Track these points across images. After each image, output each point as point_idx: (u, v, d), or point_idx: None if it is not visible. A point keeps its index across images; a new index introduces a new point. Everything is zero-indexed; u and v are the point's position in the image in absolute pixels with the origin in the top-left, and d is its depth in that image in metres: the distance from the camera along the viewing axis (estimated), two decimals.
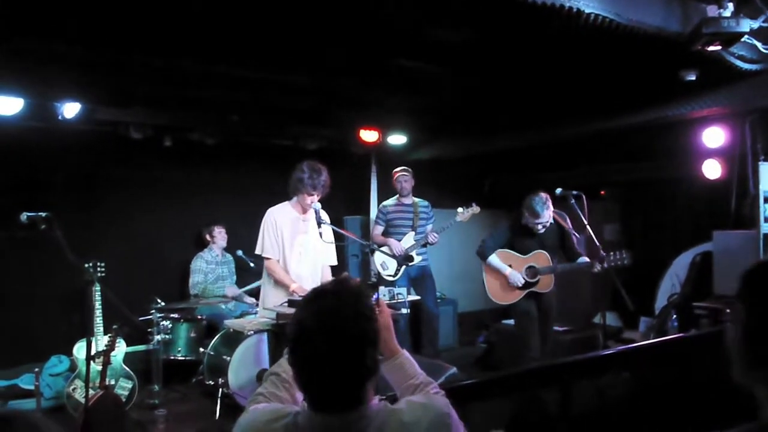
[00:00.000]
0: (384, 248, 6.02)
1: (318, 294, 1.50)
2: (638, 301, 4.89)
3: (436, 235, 6.00)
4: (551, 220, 4.92)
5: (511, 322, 6.58)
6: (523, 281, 5.00)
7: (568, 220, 5.07)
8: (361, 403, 1.42)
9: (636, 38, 3.62)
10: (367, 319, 1.44)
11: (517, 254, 5.07)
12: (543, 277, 5.01)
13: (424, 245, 6.11)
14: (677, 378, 3.07)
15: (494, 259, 5.09)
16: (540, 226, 4.89)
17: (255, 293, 6.22)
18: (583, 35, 3.56)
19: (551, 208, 4.89)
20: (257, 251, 4.52)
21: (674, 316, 5.90)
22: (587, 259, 4.89)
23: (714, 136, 5.67)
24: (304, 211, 4.48)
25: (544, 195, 4.86)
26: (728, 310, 1.21)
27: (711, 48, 3.75)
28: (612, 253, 4.75)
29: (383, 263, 6.08)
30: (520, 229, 5.04)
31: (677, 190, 6.86)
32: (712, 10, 3.66)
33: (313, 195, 4.34)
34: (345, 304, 1.43)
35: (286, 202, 4.55)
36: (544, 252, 5.01)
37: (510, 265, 5.07)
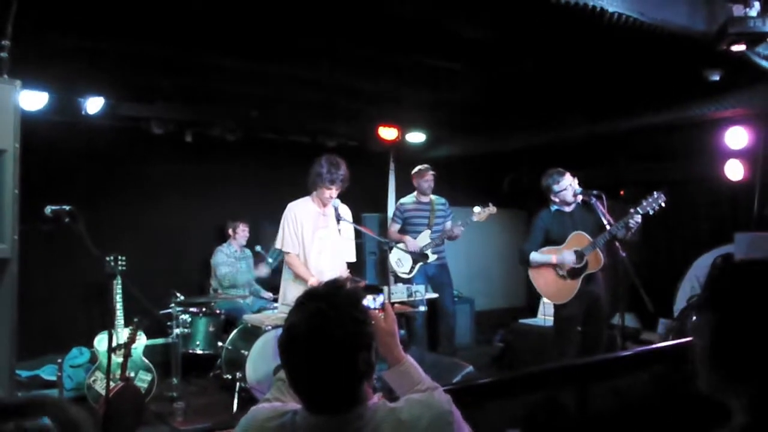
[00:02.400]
0: (401, 245, 6.02)
1: (309, 297, 1.47)
2: (657, 302, 4.82)
3: (460, 228, 5.95)
4: (577, 196, 4.78)
5: (528, 321, 6.59)
6: (573, 257, 4.75)
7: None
8: (356, 403, 1.40)
9: (660, 37, 3.58)
10: (359, 323, 1.41)
11: (556, 247, 4.87)
12: (589, 258, 4.77)
13: (450, 238, 6.08)
14: (696, 380, 3.05)
15: (536, 255, 4.87)
16: (569, 196, 4.75)
17: (266, 284, 6.28)
18: (606, 34, 3.54)
19: (568, 176, 4.78)
20: (277, 245, 4.55)
21: (694, 318, 5.83)
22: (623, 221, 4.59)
23: (737, 137, 5.61)
24: (324, 205, 4.49)
25: (550, 170, 4.82)
26: (694, 318, 1.16)
27: (736, 48, 3.70)
28: (646, 199, 4.57)
29: (398, 260, 6.09)
30: (551, 220, 4.91)
31: (699, 190, 6.78)
32: (738, 10, 3.61)
33: (331, 189, 4.35)
34: (335, 308, 1.40)
35: (307, 197, 4.57)
36: (581, 232, 4.81)
37: None
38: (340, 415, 1.39)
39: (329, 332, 1.37)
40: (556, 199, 4.85)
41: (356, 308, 1.45)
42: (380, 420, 1.40)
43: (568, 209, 4.89)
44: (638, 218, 4.56)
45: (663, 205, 4.58)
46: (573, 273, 4.82)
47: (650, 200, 4.60)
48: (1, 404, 0.98)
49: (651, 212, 4.59)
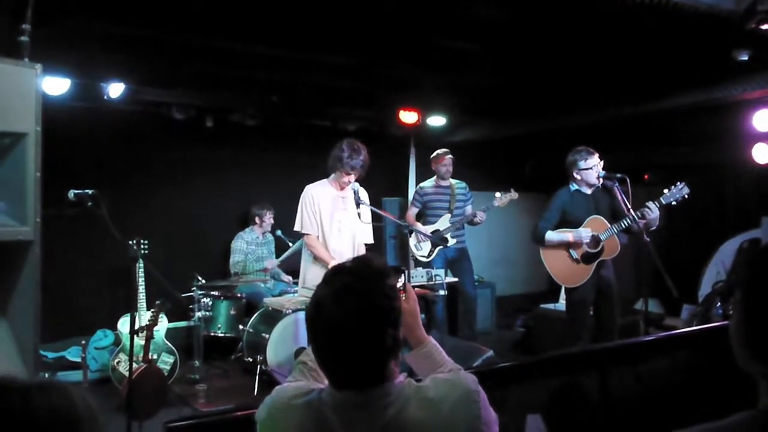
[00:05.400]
0: (419, 228, 6.00)
1: (337, 271, 1.46)
2: (681, 288, 4.74)
3: (482, 213, 5.92)
4: (600, 179, 4.69)
5: (549, 306, 6.55)
6: (590, 234, 4.69)
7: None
8: (382, 380, 1.39)
9: (686, 16, 3.50)
10: (386, 298, 1.40)
11: (572, 230, 4.78)
12: (606, 243, 4.70)
13: (472, 224, 6.05)
14: (720, 366, 3.00)
15: (552, 234, 4.79)
16: (592, 177, 4.66)
17: (290, 269, 6.30)
18: (630, 12, 3.46)
19: (596, 157, 4.69)
20: (296, 228, 4.57)
21: (719, 304, 5.76)
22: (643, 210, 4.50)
23: (765, 119, 5.47)
24: (342, 188, 4.50)
25: (580, 147, 4.74)
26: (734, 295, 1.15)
27: (765, 26, 3.60)
28: (669, 189, 4.50)
29: (417, 244, 6.08)
30: (569, 200, 4.83)
31: (725, 174, 6.66)
32: None
33: (351, 174, 4.36)
34: (363, 282, 1.40)
35: (324, 180, 4.57)
36: (599, 217, 4.73)
37: None
38: (366, 391, 1.38)
39: (357, 307, 1.36)
40: (578, 177, 4.76)
41: (384, 283, 1.43)
42: (407, 398, 1.39)
43: (587, 191, 4.82)
44: (654, 208, 4.47)
45: (686, 196, 4.50)
46: (587, 258, 4.76)
47: (673, 191, 4.52)
48: (7, 382, 0.99)
49: (674, 203, 4.52)
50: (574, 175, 4.78)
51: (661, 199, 4.51)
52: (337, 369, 1.41)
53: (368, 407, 1.37)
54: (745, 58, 4.38)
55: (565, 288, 4.98)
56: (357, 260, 1.51)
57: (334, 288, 1.40)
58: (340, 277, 1.43)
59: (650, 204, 4.47)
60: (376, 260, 1.51)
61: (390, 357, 1.40)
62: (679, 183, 4.52)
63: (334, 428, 1.37)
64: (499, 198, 5.85)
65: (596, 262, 4.75)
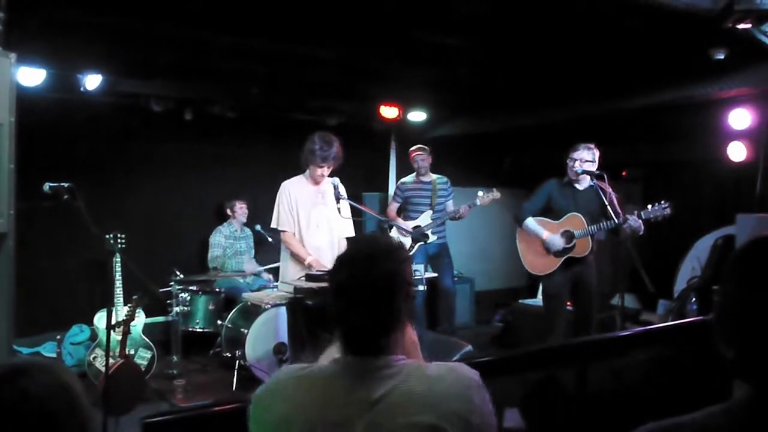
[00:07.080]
0: (400, 224, 6.00)
1: (357, 241, 1.68)
2: (657, 283, 4.82)
3: (467, 207, 5.92)
4: (580, 176, 4.78)
5: (528, 301, 6.61)
6: (561, 245, 4.79)
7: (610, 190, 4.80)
8: (386, 351, 1.46)
9: (664, 14, 3.53)
10: (401, 262, 1.52)
11: (551, 221, 4.89)
12: (578, 241, 4.79)
13: (454, 219, 6.07)
14: (695, 361, 3.05)
15: (531, 222, 4.91)
16: (571, 169, 4.76)
17: (274, 271, 6.26)
18: (609, 10, 3.48)
19: (585, 152, 4.75)
20: (273, 225, 4.54)
21: (694, 299, 5.84)
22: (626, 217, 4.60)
23: (741, 118, 5.55)
24: (317, 183, 4.47)
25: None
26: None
27: (742, 26, 3.65)
28: (651, 205, 4.59)
29: (397, 239, 6.07)
30: (558, 190, 4.91)
31: (701, 172, 6.74)
32: None
33: (323, 167, 4.32)
34: (382, 251, 1.51)
35: (301, 176, 4.54)
36: (578, 215, 4.80)
37: None
38: (370, 357, 1.45)
39: (375, 271, 1.46)
40: (568, 162, 4.84)
41: (398, 251, 1.55)
42: (408, 372, 1.45)
43: (579, 186, 4.88)
44: (636, 220, 4.55)
45: (666, 216, 4.59)
46: (557, 251, 4.85)
47: (656, 208, 4.61)
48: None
49: (652, 219, 4.60)
50: (569, 165, 4.86)
51: (641, 213, 4.59)
52: (348, 330, 1.48)
53: (370, 375, 1.44)
54: (722, 56, 4.43)
55: (541, 282, 5.06)
56: (372, 236, 1.72)
57: (353, 255, 1.54)
58: (359, 245, 1.61)
59: (631, 218, 4.56)
60: (387, 237, 1.73)
61: (396, 327, 1.48)
62: (663, 202, 4.62)
63: (337, 394, 1.43)
64: (482, 197, 5.88)
65: (564, 258, 4.84)
